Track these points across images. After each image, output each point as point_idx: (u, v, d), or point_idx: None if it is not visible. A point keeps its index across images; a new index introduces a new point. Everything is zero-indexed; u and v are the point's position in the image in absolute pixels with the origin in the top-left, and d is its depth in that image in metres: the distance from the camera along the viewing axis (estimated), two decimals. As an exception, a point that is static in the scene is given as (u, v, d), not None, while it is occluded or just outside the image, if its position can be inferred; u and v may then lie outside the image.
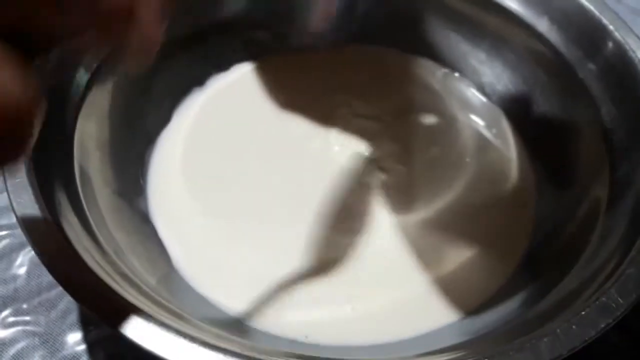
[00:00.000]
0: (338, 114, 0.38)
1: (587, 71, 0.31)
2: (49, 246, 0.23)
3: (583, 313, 0.22)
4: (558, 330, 0.21)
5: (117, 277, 0.24)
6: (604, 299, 0.22)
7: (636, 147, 0.28)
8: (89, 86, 0.30)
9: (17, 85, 0.14)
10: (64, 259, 0.23)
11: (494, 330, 0.24)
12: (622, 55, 0.30)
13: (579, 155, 0.33)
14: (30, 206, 0.24)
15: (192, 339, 0.21)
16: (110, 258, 0.25)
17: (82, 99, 0.30)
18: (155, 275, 0.28)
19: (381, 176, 0.35)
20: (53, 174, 0.26)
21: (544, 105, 0.36)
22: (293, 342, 0.28)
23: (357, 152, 0.36)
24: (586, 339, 0.21)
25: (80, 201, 0.27)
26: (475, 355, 0.21)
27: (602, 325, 0.22)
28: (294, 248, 0.32)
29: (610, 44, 0.30)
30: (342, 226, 0.33)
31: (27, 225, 0.23)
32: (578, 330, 0.22)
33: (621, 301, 0.22)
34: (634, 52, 0.30)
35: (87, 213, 0.27)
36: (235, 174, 0.35)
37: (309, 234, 0.32)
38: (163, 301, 0.24)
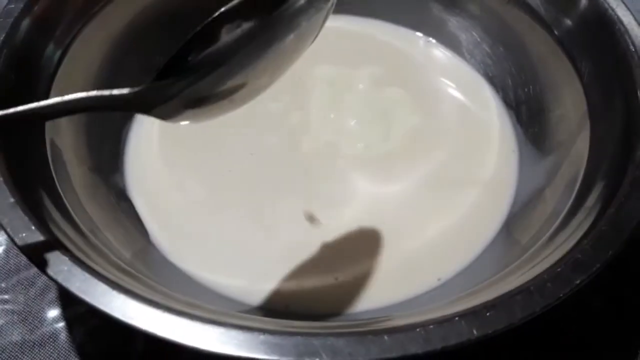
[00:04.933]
0: (318, 86, 0.37)
1: (564, 29, 0.31)
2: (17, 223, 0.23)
3: (558, 270, 0.22)
4: (531, 288, 0.21)
5: (90, 251, 0.24)
6: (578, 255, 0.22)
7: (614, 104, 0.28)
8: (60, 61, 0.30)
9: None
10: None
11: (469, 290, 0.24)
12: (598, 11, 0.29)
13: (560, 118, 0.32)
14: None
15: (167, 309, 0.20)
16: (83, 233, 0.25)
17: (54, 74, 0.29)
18: (131, 250, 0.28)
19: (361, 147, 0.35)
20: (22, 151, 0.26)
21: (525, 69, 0.35)
22: (271, 312, 0.28)
23: (337, 124, 0.36)
24: (560, 295, 0.21)
25: (52, 177, 0.26)
26: (449, 314, 0.21)
27: (577, 282, 0.21)
28: (273, 220, 0.31)
29: (585, 0, 0.30)
30: (322, 198, 0.33)
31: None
32: (552, 288, 0.21)
33: (596, 258, 0.22)
34: (608, 4, 0.29)
35: (59, 189, 0.26)
36: (213, 149, 0.34)
37: (289, 206, 0.32)
38: (137, 274, 0.24)
